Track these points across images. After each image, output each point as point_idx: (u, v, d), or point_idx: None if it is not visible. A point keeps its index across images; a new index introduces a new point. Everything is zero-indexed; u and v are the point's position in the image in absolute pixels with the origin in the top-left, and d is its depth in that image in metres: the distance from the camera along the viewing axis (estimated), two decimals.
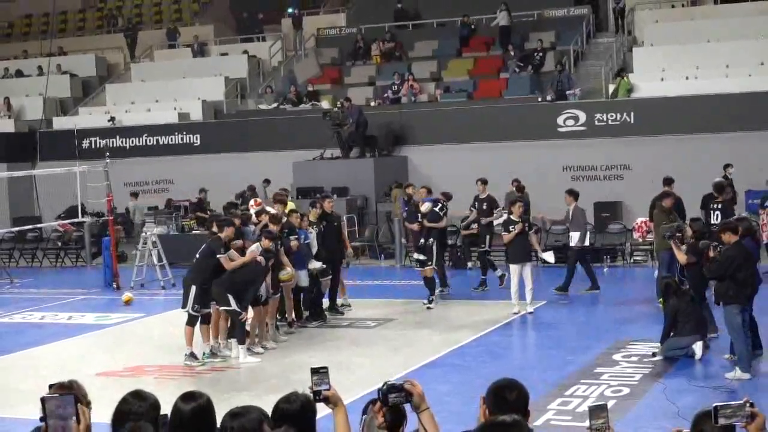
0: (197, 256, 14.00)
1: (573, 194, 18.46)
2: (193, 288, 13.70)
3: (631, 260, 21.84)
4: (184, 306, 13.89)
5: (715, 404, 4.13)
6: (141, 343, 15.52)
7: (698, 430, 4.36)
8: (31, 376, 13.07)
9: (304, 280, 15.81)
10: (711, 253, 12.00)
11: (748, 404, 4.12)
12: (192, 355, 13.74)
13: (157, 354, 14.57)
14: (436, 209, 17.15)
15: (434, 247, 17.02)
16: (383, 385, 4.51)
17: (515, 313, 16.26)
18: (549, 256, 17.40)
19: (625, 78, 27.18)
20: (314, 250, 16.05)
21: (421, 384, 4.63)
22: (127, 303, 19.17)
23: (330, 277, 16.49)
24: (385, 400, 4.48)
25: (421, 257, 16.94)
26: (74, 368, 13.40)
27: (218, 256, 13.64)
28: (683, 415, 9.53)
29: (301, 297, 16.13)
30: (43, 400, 3.97)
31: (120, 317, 17.99)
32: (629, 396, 11.17)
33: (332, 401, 4.65)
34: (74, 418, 3.96)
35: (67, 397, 3.99)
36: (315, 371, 4.60)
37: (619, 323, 15.51)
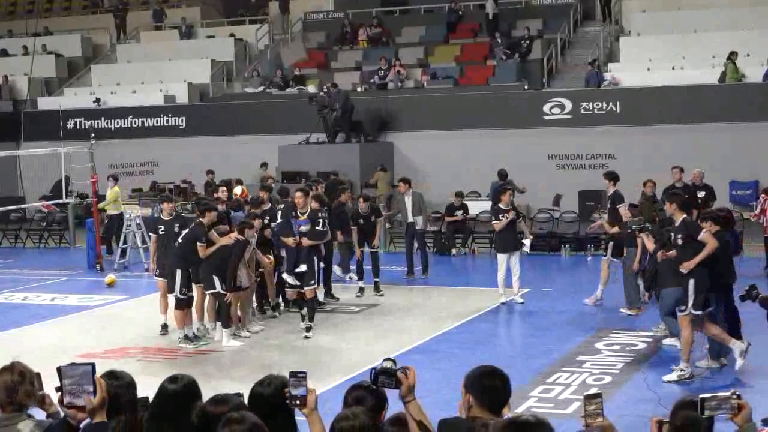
0: (179, 240, 13.97)
1: (406, 182, 19.36)
2: (179, 272, 13.71)
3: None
4: (171, 291, 13.89)
5: (701, 396, 4.15)
6: (124, 326, 15.49)
7: (674, 421, 4.40)
8: (12, 358, 13.00)
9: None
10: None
11: (734, 396, 4.15)
12: (186, 338, 13.81)
13: (140, 336, 14.56)
14: (318, 227, 14.23)
15: (316, 266, 14.55)
16: (384, 360, 4.57)
17: (504, 303, 16.26)
18: (527, 244, 16.99)
19: (733, 61, 25.96)
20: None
21: None
22: (110, 285, 19.14)
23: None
24: (375, 380, 4.53)
25: (295, 282, 14.12)
26: (56, 350, 13.40)
27: (198, 243, 13.61)
28: (664, 404, 9.59)
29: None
30: (59, 369, 3.97)
31: (103, 299, 17.95)
32: (611, 384, 11.24)
33: (308, 407, 4.50)
34: (91, 388, 3.95)
35: (85, 367, 3.99)
36: (293, 374, 4.50)
37: (602, 312, 15.57)
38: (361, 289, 17.38)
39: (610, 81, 27.36)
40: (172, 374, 4.88)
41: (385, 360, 4.58)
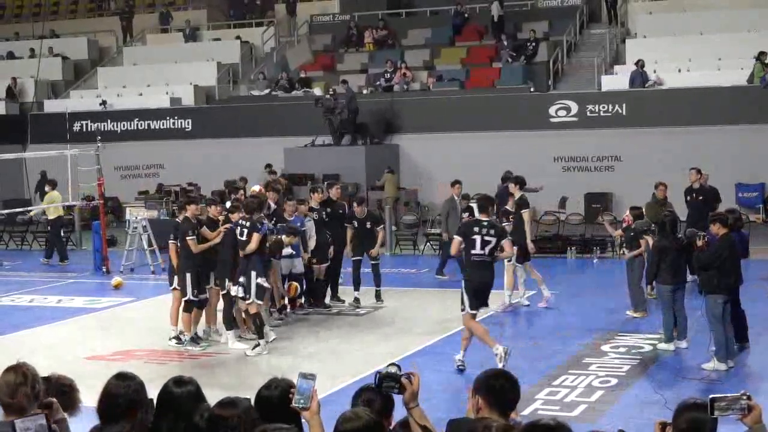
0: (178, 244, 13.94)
1: (457, 183, 19.10)
2: (188, 275, 13.66)
3: (621, 251, 21.84)
4: (184, 295, 13.82)
5: (711, 396, 4.13)
6: (130, 328, 15.49)
7: (677, 423, 4.39)
8: (20, 360, 13.01)
9: (298, 266, 15.75)
10: (699, 243, 12.13)
11: (744, 396, 4.12)
12: (192, 340, 13.81)
13: (147, 338, 14.55)
14: (237, 235, 13.45)
15: (254, 280, 13.27)
16: (388, 365, 4.58)
17: (510, 305, 16.24)
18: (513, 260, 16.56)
19: (763, 61, 25.71)
20: (312, 240, 15.88)
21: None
22: (117, 287, 19.16)
23: (326, 264, 16.36)
24: (379, 384, 4.53)
25: (240, 293, 13.42)
26: (63, 352, 13.42)
27: (188, 238, 13.60)
28: (669, 406, 9.57)
29: (303, 284, 15.91)
30: (12, 424, 3.94)
31: (110, 301, 17.97)
32: (617, 387, 11.23)
33: (310, 410, 4.44)
34: None
35: (38, 417, 3.96)
36: (303, 375, 4.46)
37: (608, 314, 15.56)
38: (357, 300, 16.62)
39: (655, 81, 27.27)
40: (175, 377, 4.87)
41: (390, 365, 4.58)
